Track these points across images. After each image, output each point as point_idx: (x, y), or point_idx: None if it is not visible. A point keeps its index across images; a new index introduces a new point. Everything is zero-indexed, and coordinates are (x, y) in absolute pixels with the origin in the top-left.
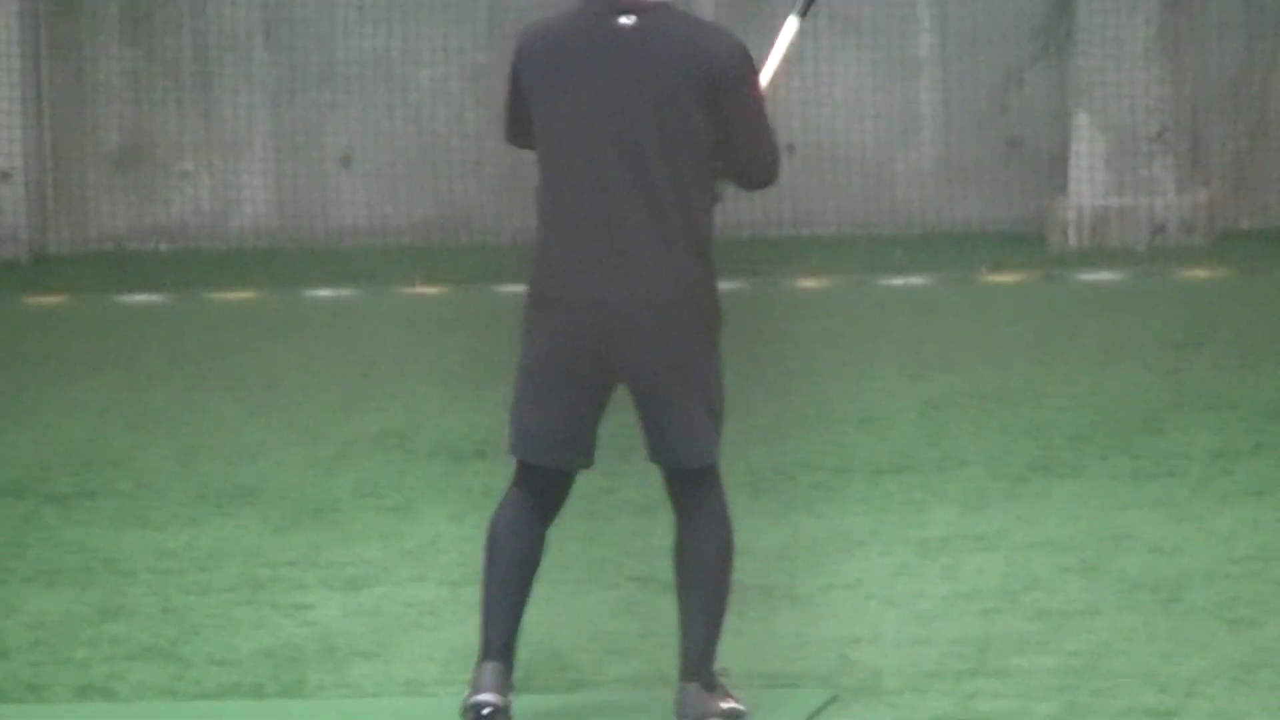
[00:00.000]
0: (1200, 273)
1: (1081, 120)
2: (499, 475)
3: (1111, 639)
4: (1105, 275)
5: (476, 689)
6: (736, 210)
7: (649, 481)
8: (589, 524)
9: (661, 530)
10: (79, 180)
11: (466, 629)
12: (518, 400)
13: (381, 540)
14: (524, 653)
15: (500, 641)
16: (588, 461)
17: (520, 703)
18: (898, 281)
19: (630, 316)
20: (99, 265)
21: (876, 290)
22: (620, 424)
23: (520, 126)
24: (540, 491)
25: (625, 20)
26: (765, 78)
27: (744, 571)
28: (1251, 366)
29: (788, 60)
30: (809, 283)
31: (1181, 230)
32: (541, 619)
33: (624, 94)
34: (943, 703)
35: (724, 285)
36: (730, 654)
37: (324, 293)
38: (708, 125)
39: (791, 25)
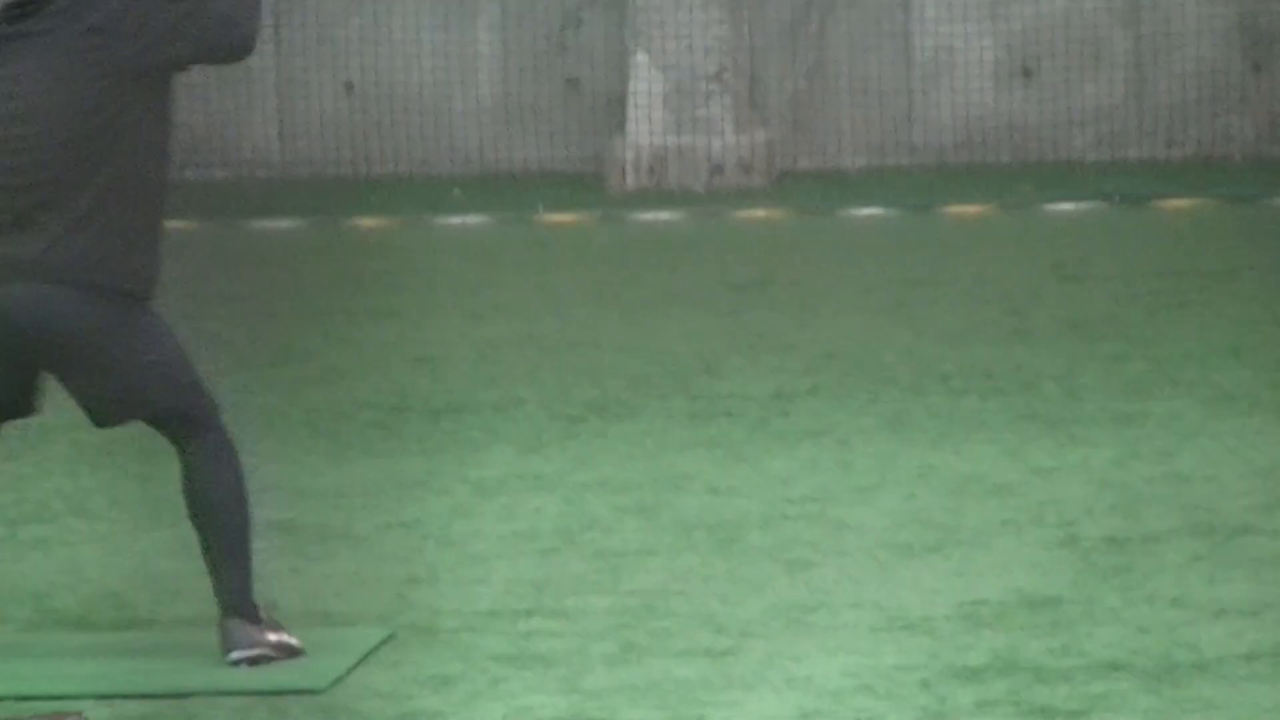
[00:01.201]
0: (759, 213)
1: (640, 60)
2: None
3: (669, 580)
4: (664, 216)
5: None
6: (295, 149)
7: None
8: (146, 464)
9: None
10: None
11: (19, 567)
12: None
13: None
14: (82, 591)
15: None
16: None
17: (78, 640)
18: (455, 220)
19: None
20: None
21: (435, 230)
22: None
23: None
24: None
25: None
26: None
27: (301, 511)
28: (810, 309)
29: None
30: (368, 222)
31: (740, 170)
32: (98, 558)
33: None
34: (499, 642)
35: (283, 224)
36: (288, 593)
37: None
38: None
39: None
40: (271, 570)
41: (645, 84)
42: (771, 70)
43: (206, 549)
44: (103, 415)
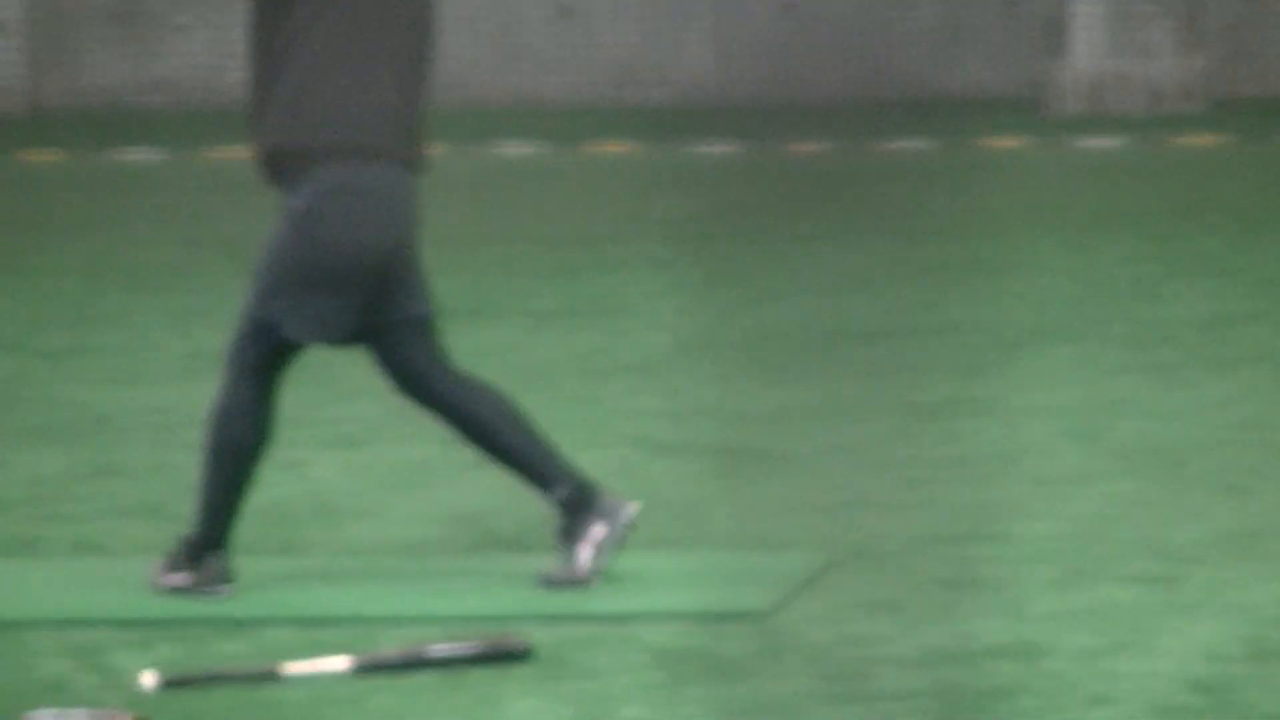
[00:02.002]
0: (1198, 139)
1: None
2: (487, 334)
3: (1108, 505)
4: (1103, 141)
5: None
6: (731, 71)
7: (645, 342)
8: (585, 385)
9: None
10: (74, 33)
11: (458, 489)
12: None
13: (374, 398)
14: (520, 514)
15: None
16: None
17: (516, 562)
18: (893, 146)
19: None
20: (94, 121)
21: (872, 155)
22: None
23: None
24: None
25: None
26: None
27: (738, 434)
28: (1250, 234)
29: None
30: (804, 147)
31: (1180, 96)
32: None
33: None
34: (941, 566)
35: (719, 148)
36: (724, 517)
37: None
38: None
39: (339, 662)
40: (708, 493)
41: (1085, 6)
42: None
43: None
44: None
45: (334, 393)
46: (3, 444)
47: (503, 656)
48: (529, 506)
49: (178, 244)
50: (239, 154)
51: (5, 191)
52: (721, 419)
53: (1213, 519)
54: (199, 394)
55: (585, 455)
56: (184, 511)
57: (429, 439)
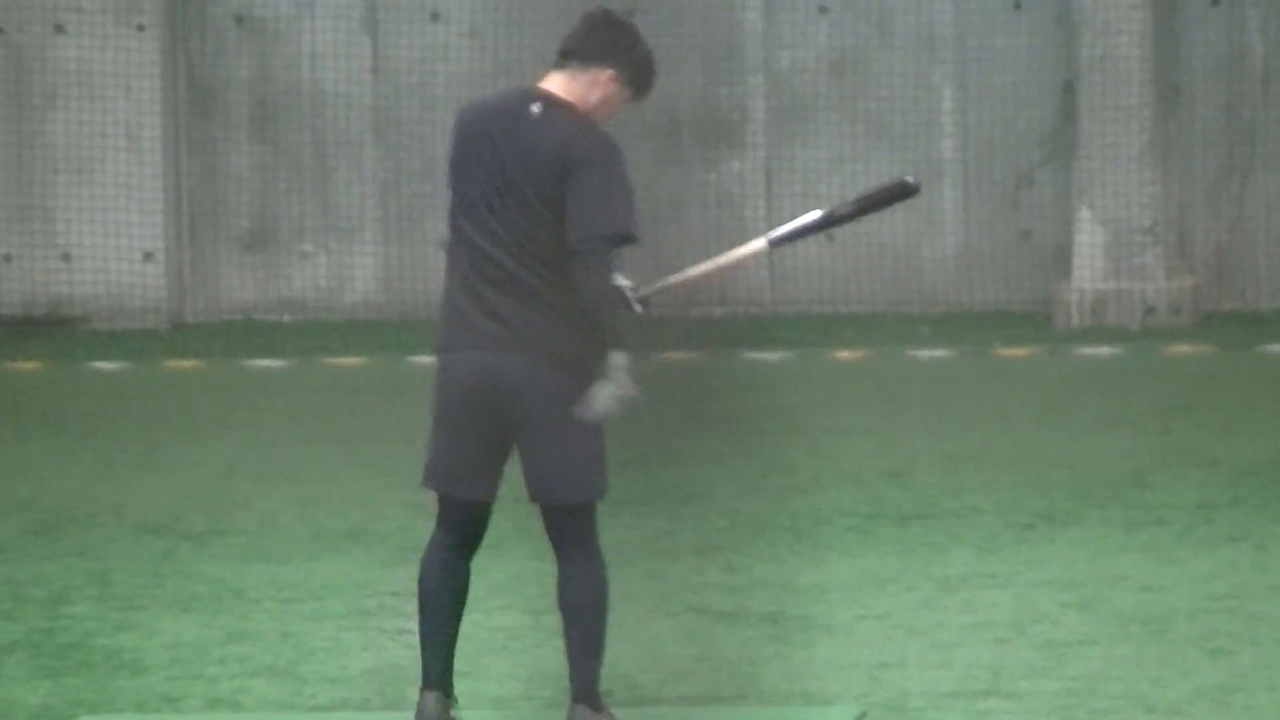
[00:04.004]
0: (1186, 349)
1: (1084, 215)
2: None
3: (1107, 666)
4: (1103, 350)
5: (422, 715)
6: (784, 289)
7: (707, 525)
8: (655, 562)
9: (712, 569)
10: (213, 259)
11: (547, 652)
12: (429, 439)
13: (474, 574)
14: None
15: (438, 672)
16: (489, 495)
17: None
18: (922, 354)
19: (508, 378)
20: (229, 334)
21: (904, 361)
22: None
23: None
24: (457, 526)
25: (534, 108)
26: (706, 266)
27: (787, 604)
28: (1231, 430)
29: (735, 264)
30: (845, 354)
31: (1170, 311)
32: (615, 642)
33: (514, 171)
34: (959, 719)
35: (772, 355)
36: (775, 675)
37: (424, 359)
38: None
39: (758, 245)
40: (761, 655)
41: (1088, 235)
42: (1198, 223)
43: (567, 639)
44: (539, 490)
45: None
46: (150, 613)
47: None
48: (610, 665)
49: (300, 440)
50: (353, 362)
51: (153, 395)
52: (772, 590)
53: (1198, 678)
54: (321, 570)
55: (654, 624)
56: (306, 672)
57: (520, 609)
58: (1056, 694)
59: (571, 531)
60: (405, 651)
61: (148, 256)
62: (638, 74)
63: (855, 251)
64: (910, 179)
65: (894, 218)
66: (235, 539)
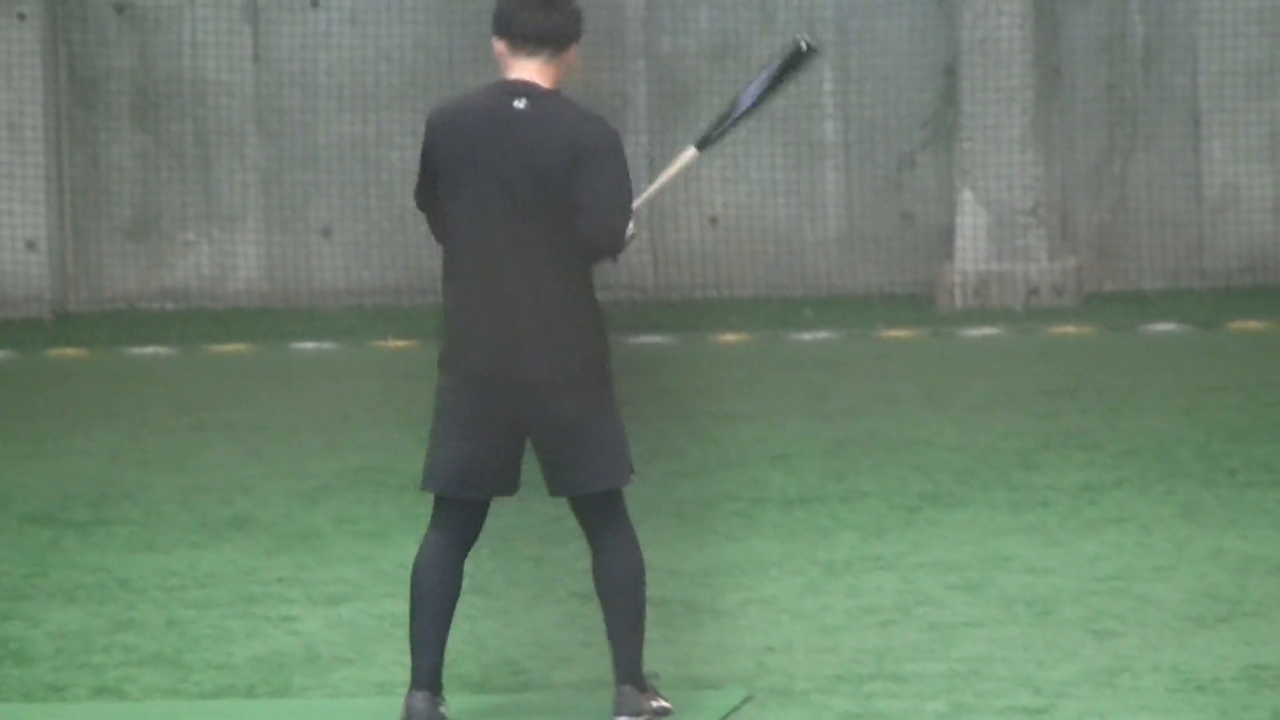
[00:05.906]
0: (1070, 329)
1: (966, 197)
2: None
3: (993, 648)
4: (987, 332)
5: (412, 713)
6: (666, 274)
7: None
8: (539, 547)
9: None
10: (96, 248)
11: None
12: (432, 443)
13: (358, 562)
14: (483, 659)
15: (428, 672)
16: (511, 489)
17: (479, 702)
18: (805, 337)
19: (523, 379)
20: (113, 323)
21: (787, 345)
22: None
23: (426, 192)
24: (457, 527)
25: (519, 104)
26: (649, 191)
27: (672, 589)
28: (1115, 411)
29: (674, 180)
30: (729, 338)
31: (1053, 292)
32: (496, 630)
33: (512, 170)
34: (846, 702)
35: (655, 339)
36: (661, 660)
37: (308, 346)
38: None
39: (688, 154)
40: (647, 639)
41: (971, 218)
42: (1080, 205)
43: (609, 623)
44: (566, 484)
45: (320, 558)
46: (35, 603)
47: (796, 65)
48: (495, 652)
49: (185, 429)
50: (237, 350)
51: (36, 384)
52: (658, 575)
53: (1084, 659)
54: (206, 559)
55: (538, 610)
56: (192, 660)
57: (405, 597)
58: (942, 676)
59: (605, 517)
60: (290, 639)
61: (30, 246)
62: (581, 29)
63: (738, 235)
64: (802, 41)
65: (775, 201)
66: (120, 528)
